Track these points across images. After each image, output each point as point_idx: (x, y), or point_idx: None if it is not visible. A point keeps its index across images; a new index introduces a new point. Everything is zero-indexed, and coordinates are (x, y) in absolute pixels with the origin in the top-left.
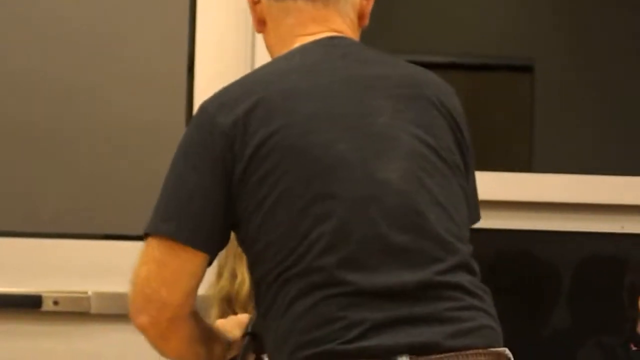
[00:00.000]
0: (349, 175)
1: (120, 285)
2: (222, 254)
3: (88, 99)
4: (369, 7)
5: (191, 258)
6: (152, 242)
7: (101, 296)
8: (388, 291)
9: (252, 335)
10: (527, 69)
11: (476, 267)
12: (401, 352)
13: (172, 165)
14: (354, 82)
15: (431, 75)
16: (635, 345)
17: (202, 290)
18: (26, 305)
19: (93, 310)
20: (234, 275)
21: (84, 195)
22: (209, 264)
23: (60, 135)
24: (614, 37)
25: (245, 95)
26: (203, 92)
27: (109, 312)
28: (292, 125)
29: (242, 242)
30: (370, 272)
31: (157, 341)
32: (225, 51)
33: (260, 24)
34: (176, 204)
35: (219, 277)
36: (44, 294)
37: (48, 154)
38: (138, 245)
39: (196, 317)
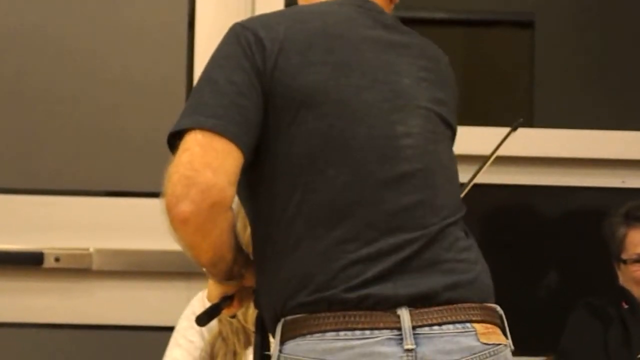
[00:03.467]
0: (372, 122)
1: (121, 241)
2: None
3: (89, 56)
4: None
5: (233, 153)
6: (195, 134)
7: (103, 253)
8: (398, 226)
9: None
10: (527, 25)
11: (465, 226)
12: (401, 304)
13: (212, 67)
14: (383, 43)
15: (440, 51)
16: (626, 303)
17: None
18: (28, 262)
19: (94, 267)
20: (244, 227)
21: (85, 152)
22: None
23: (61, 93)
24: None
25: (286, 21)
26: (203, 48)
27: (111, 269)
28: (325, 64)
29: (255, 164)
30: (381, 203)
31: (196, 236)
32: (226, 7)
33: None
34: (220, 101)
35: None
36: (45, 251)
37: (48, 111)
38: (139, 202)
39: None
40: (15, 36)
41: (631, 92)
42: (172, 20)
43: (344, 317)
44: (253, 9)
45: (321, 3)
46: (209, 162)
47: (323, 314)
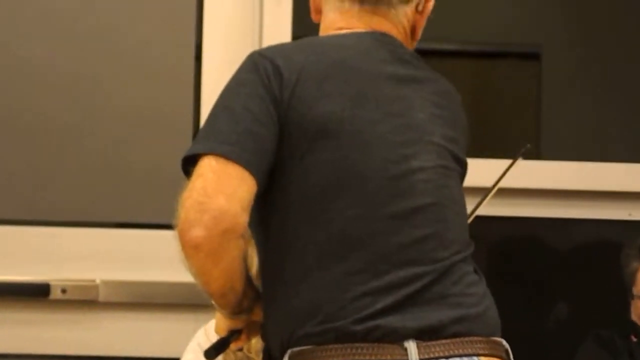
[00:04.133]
0: (386, 155)
1: (128, 273)
2: None
3: (97, 89)
4: (422, 22)
5: (247, 180)
6: (209, 159)
7: (109, 284)
8: (407, 260)
9: None
10: (534, 57)
11: (473, 262)
12: (409, 336)
13: (228, 93)
14: (399, 77)
15: (453, 89)
16: (635, 336)
17: None
18: (34, 294)
19: (101, 299)
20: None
21: (93, 184)
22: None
23: (68, 125)
24: (620, 26)
25: (304, 51)
26: (211, 81)
27: (117, 301)
28: (342, 95)
29: (267, 192)
30: (393, 236)
31: (207, 262)
32: (233, 40)
33: (317, 13)
34: (235, 128)
35: None
36: (52, 283)
37: (55, 144)
38: (146, 233)
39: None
40: (23, 69)
41: (637, 124)
42: (179, 53)
43: (352, 349)
44: (260, 42)
45: (340, 35)
46: (222, 188)
47: (330, 346)
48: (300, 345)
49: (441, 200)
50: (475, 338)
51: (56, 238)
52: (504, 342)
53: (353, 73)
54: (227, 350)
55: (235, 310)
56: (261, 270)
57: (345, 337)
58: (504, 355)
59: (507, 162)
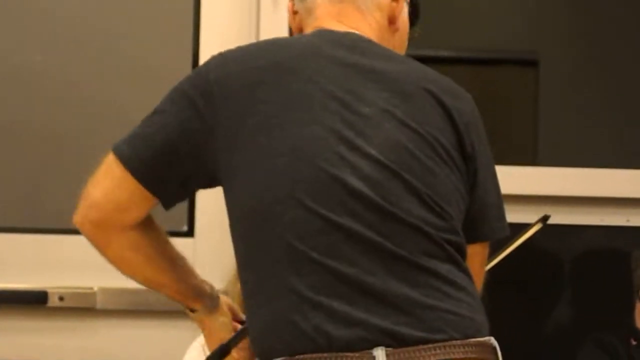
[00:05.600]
0: (316, 154)
1: (126, 280)
2: None
3: (93, 96)
4: (399, 9)
5: (129, 185)
6: (111, 155)
7: (107, 292)
8: (364, 263)
9: None
10: (531, 63)
11: (457, 256)
12: (376, 344)
13: (162, 101)
14: (351, 71)
15: (438, 76)
16: (635, 340)
17: (221, 286)
18: (32, 301)
19: (99, 306)
20: None
21: None
22: (167, 205)
23: (65, 132)
24: (618, 32)
25: (243, 60)
26: None
27: (115, 308)
28: (275, 102)
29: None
30: (342, 260)
31: (94, 244)
32: (230, 44)
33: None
34: (140, 133)
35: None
36: (49, 290)
37: (52, 151)
38: None
39: (152, 238)
40: (21, 75)
41: (636, 130)
42: (176, 59)
43: (319, 359)
44: None
45: (299, 35)
46: (102, 183)
47: (301, 357)
48: (272, 357)
49: (388, 196)
50: (450, 342)
51: (54, 245)
52: (491, 341)
53: (291, 74)
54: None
55: (187, 307)
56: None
57: (310, 346)
58: (487, 355)
59: (506, 168)
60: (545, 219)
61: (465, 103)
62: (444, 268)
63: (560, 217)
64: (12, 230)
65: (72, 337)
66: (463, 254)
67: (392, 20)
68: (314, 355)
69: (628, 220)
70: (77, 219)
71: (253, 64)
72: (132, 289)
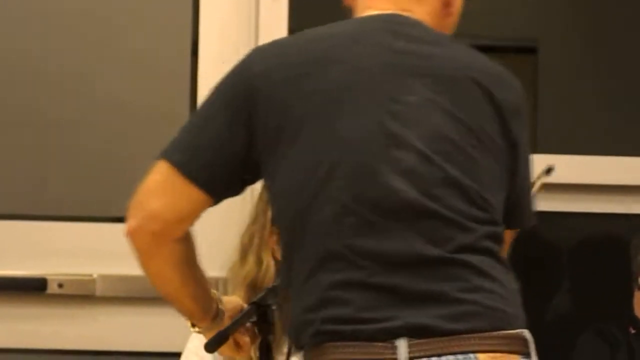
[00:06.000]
0: (362, 148)
1: (125, 267)
2: (245, 236)
3: (93, 83)
4: None
5: (191, 193)
6: (164, 163)
7: (106, 279)
8: (392, 261)
9: (257, 305)
10: (530, 51)
11: (495, 247)
12: (400, 335)
13: (205, 100)
14: (397, 58)
15: (486, 63)
16: (634, 328)
17: (224, 273)
18: (31, 288)
19: (98, 293)
20: (259, 261)
21: (89, 179)
22: (214, 204)
23: (64, 120)
24: (617, 19)
25: (286, 52)
26: (207, 75)
27: (114, 295)
28: (320, 94)
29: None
30: (380, 238)
31: (141, 255)
32: (230, 34)
33: None
34: (192, 138)
35: (244, 261)
36: (48, 277)
37: (52, 138)
38: None
39: (190, 253)
40: (19, 64)
41: (635, 118)
42: (175, 48)
43: (343, 347)
44: (257, 36)
45: (345, 21)
46: (162, 194)
47: (325, 344)
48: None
49: (426, 186)
50: (477, 334)
51: (53, 232)
52: (524, 333)
53: (336, 65)
54: (240, 288)
55: (191, 324)
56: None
57: (330, 336)
58: (516, 348)
59: None
60: (549, 170)
61: (512, 92)
62: (478, 259)
63: (559, 204)
64: (11, 217)
65: (72, 324)
66: (501, 243)
67: (446, 5)
68: (339, 343)
69: (630, 208)
70: (133, 230)
71: (296, 56)
72: (132, 276)
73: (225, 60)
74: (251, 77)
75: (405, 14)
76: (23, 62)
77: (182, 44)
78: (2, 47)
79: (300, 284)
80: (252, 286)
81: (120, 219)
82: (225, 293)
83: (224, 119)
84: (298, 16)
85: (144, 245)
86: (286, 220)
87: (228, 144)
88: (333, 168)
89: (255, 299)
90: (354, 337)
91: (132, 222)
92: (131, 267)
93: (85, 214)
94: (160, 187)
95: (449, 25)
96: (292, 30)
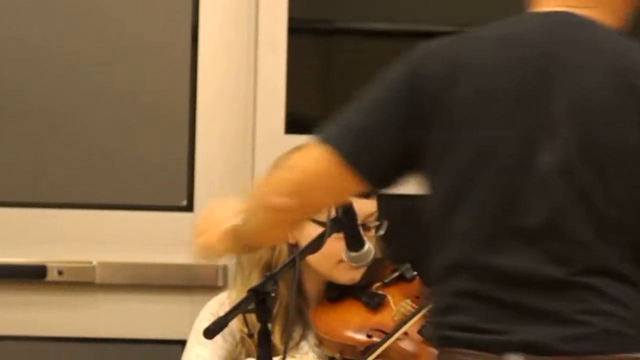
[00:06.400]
0: (498, 163)
1: (125, 255)
2: None
3: (93, 71)
4: None
5: (346, 177)
6: (327, 150)
7: (106, 266)
8: (516, 278)
9: (256, 292)
10: None
11: (628, 271)
12: (513, 350)
13: (373, 86)
14: (548, 64)
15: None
16: None
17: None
18: (31, 276)
19: (98, 280)
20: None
21: (89, 166)
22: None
23: (64, 107)
24: None
25: (447, 54)
26: (207, 62)
27: (114, 282)
28: (469, 100)
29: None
30: (504, 256)
31: (265, 224)
32: (230, 21)
33: None
34: (355, 125)
35: None
36: (48, 264)
37: (51, 126)
38: (143, 215)
39: None
40: (20, 52)
41: None
42: (175, 35)
43: (458, 354)
44: (256, 23)
45: (505, 21)
46: (319, 180)
47: (443, 349)
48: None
49: (561, 205)
50: (594, 357)
51: (53, 220)
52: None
53: (486, 71)
54: (253, 270)
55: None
56: None
57: (447, 341)
58: None
59: None
60: None
61: None
62: (600, 282)
63: None
64: (11, 204)
65: (71, 311)
66: (630, 261)
67: None
68: (454, 349)
69: None
70: (281, 208)
71: (455, 58)
72: (131, 263)
73: (225, 45)
74: (415, 75)
75: (567, 10)
76: (24, 51)
77: (182, 29)
78: (2, 38)
79: (436, 284)
80: (266, 269)
81: (119, 206)
82: (235, 279)
83: (388, 111)
84: (298, 2)
85: (279, 222)
86: (435, 219)
87: (392, 137)
88: (470, 179)
89: (254, 286)
90: (471, 345)
91: (285, 201)
92: (131, 254)
93: (85, 201)
94: (317, 174)
95: (625, 11)
96: (291, 16)
